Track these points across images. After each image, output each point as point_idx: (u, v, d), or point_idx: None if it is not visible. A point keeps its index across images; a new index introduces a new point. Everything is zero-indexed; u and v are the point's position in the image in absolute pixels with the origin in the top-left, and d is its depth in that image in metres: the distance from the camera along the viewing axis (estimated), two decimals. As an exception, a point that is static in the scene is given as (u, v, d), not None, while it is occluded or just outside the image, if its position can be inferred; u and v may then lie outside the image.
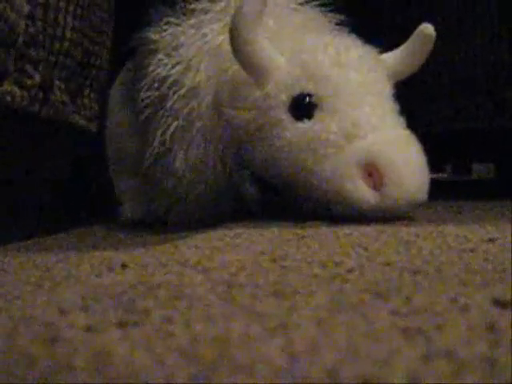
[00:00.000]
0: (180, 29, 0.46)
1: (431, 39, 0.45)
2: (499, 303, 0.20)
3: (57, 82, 0.43)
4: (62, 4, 0.42)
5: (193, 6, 0.47)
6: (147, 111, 0.45)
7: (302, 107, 0.41)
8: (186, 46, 0.45)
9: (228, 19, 0.44)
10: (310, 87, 0.41)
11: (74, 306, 0.22)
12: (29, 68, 0.41)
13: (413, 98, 0.67)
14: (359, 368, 0.15)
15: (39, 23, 0.41)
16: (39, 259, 0.34)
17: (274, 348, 0.16)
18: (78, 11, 0.44)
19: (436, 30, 0.46)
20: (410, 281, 0.24)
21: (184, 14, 0.47)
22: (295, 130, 0.41)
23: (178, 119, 0.44)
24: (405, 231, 0.38)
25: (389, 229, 0.40)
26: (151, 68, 0.45)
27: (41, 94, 0.42)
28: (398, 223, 0.42)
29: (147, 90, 0.45)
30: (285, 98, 0.41)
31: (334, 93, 0.41)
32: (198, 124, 0.43)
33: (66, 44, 0.43)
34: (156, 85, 0.45)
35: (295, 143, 0.41)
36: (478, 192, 0.89)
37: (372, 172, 0.39)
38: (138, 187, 0.52)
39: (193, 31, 0.45)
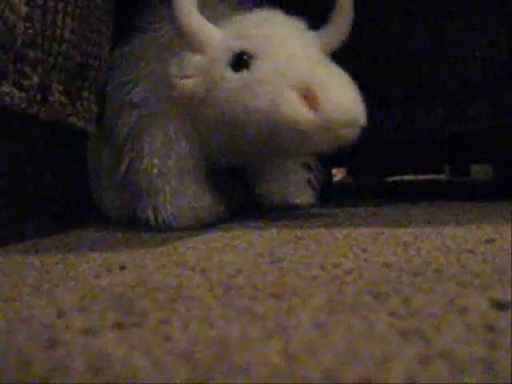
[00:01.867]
0: (138, 40, 0.52)
1: (351, 7, 0.49)
2: (498, 304, 0.20)
3: (55, 84, 0.43)
4: (60, 5, 0.42)
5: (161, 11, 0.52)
6: (115, 115, 0.51)
7: (241, 62, 0.45)
8: (143, 56, 0.50)
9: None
10: (243, 44, 0.45)
11: (73, 307, 0.22)
12: (27, 69, 0.41)
13: (410, 100, 0.67)
14: (358, 369, 0.15)
15: (38, 25, 0.41)
16: (37, 260, 0.34)
17: (272, 350, 0.16)
18: (77, 12, 0.44)
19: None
20: (408, 282, 0.24)
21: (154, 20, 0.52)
22: (236, 80, 0.44)
23: (140, 110, 0.49)
24: (403, 232, 0.38)
25: (387, 230, 0.40)
26: (116, 75, 0.52)
27: (39, 96, 0.42)
28: (396, 224, 0.42)
29: (114, 95, 0.51)
30: (225, 58, 0.45)
31: (264, 43, 0.45)
32: (155, 104, 0.48)
33: (65, 45, 0.43)
34: (121, 89, 0.50)
35: (237, 89, 0.44)
36: (476, 193, 0.89)
37: (308, 95, 0.41)
38: (117, 193, 0.54)
39: (147, 42, 0.51)
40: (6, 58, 0.39)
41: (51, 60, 0.42)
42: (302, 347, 0.16)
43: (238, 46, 0.45)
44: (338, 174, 1.68)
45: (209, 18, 0.46)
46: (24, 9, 0.40)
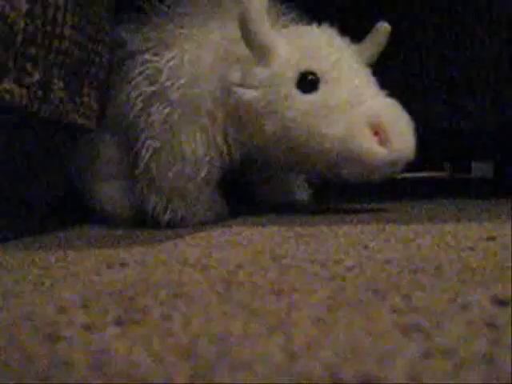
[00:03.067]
0: (165, 29, 0.49)
1: (388, 33, 0.51)
2: (499, 301, 0.20)
3: (56, 81, 0.43)
4: (60, 2, 0.42)
5: (171, 9, 0.51)
6: (137, 109, 0.48)
7: (308, 82, 0.45)
8: (176, 45, 0.48)
9: (217, 21, 0.49)
10: (312, 65, 0.46)
11: (74, 304, 0.22)
12: (28, 66, 0.41)
13: (412, 97, 0.67)
14: (359, 366, 0.15)
15: (38, 21, 0.41)
16: (39, 257, 0.34)
17: (273, 346, 0.16)
18: (77, 9, 0.44)
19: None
20: (409, 279, 0.24)
21: (166, 14, 0.51)
22: (305, 101, 0.45)
23: (179, 107, 0.46)
24: (404, 229, 0.38)
25: (388, 227, 0.40)
26: (138, 67, 0.49)
27: (40, 93, 0.42)
28: (397, 221, 0.42)
29: (136, 89, 0.48)
30: (291, 74, 0.45)
31: (333, 68, 0.46)
32: (203, 107, 0.47)
33: (66, 42, 0.43)
34: (147, 82, 0.48)
35: (306, 112, 0.45)
36: (477, 191, 0.89)
37: (378, 131, 0.43)
38: (123, 190, 0.52)
39: (181, 32, 0.49)
40: (6, 55, 0.39)
41: (52, 57, 0.42)
42: (304, 343, 0.16)
43: (306, 65, 0.46)
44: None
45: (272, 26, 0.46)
46: (24, 5, 0.40)
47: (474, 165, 1.36)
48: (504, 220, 0.41)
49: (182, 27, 0.49)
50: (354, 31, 0.50)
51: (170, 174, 0.47)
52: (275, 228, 0.42)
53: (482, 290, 0.21)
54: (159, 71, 0.47)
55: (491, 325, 0.17)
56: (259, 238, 0.38)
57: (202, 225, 0.48)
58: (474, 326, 0.17)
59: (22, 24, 0.40)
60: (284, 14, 0.52)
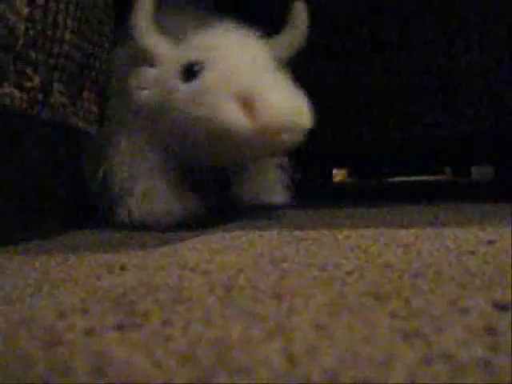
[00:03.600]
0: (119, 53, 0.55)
1: (305, 14, 0.51)
2: (498, 306, 0.20)
3: (56, 85, 0.43)
4: (61, 6, 0.42)
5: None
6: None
7: (192, 73, 0.46)
8: (117, 67, 0.54)
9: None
10: (192, 56, 0.47)
11: (74, 308, 0.22)
12: (28, 70, 0.41)
13: (412, 101, 0.67)
14: (358, 370, 0.15)
15: (39, 25, 0.41)
16: (39, 261, 0.34)
17: (273, 350, 0.16)
18: (78, 13, 0.44)
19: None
20: (409, 283, 0.24)
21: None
22: (185, 90, 0.46)
23: (109, 122, 0.53)
24: (404, 233, 0.38)
25: (388, 231, 0.40)
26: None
27: (40, 97, 0.42)
28: (397, 225, 0.42)
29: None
30: (176, 69, 0.47)
31: (211, 54, 0.46)
32: (120, 115, 0.53)
33: (66, 46, 0.43)
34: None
35: (185, 99, 0.46)
36: (477, 194, 0.89)
37: (246, 104, 0.42)
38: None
39: (121, 54, 0.54)
40: (6, 59, 0.39)
41: (52, 61, 0.42)
42: (303, 348, 0.16)
43: (186, 57, 0.47)
44: (338, 174, 1.68)
45: (178, 27, 0.50)
46: (25, 10, 0.40)
47: (473, 168, 1.36)
48: (504, 224, 0.41)
49: (123, 49, 0.54)
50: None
51: (115, 178, 0.51)
52: (275, 232, 0.42)
53: (482, 294, 0.21)
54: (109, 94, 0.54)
55: (491, 329, 0.17)
56: (259, 242, 0.38)
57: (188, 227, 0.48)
58: (473, 331, 0.17)
59: (22, 28, 0.40)
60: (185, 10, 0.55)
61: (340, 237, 0.38)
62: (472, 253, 0.30)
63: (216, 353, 0.16)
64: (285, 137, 0.43)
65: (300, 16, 0.51)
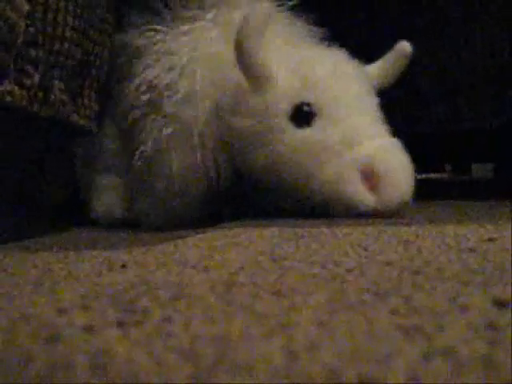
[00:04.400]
0: (168, 36, 0.48)
1: (409, 55, 0.49)
2: (499, 303, 0.20)
3: (56, 82, 0.43)
4: (61, 4, 0.42)
5: (182, 13, 0.48)
6: (135, 113, 0.47)
7: (303, 115, 0.43)
8: (177, 53, 0.46)
9: (221, 28, 0.46)
10: (309, 97, 0.43)
11: (74, 305, 0.22)
12: (28, 68, 0.41)
13: (412, 99, 0.67)
14: (359, 367, 0.15)
15: (39, 23, 0.41)
16: (39, 259, 0.34)
17: (273, 348, 0.16)
18: (78, 11, 0.44)
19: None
20: (409, 280, 0.24)
21: (172, 21, 0.49)
22: (297, 136, 0.43)
23: (174, 123, 0.45)
24: (404, 231, 0.38)
25: (388, 229, 0.40)
26: (138, 72, 0.47)
27: (40, 94, 0.42)
28: (397, 223, 0.42)
29: (135, 93, 0.47)
30: (285, 106, 0.43)
31: (332, 102, 0.43)
32: (196, 130, 0.45)
33: (66, 44, 0.43)
34: (144, 88, 0.47)
35: (297, 148, 0.43)
36: (477, 192, 0.89)
37: (369, 176, 0.42)
38: (118, 184, 0.52)
39: (184, 38, 0.47)
40: (7, 57, 0.39)
41: (52, 58, 0.42)
42: (304, 345, 0.16)
43: (303, 96, 0.44)
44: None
45: (273, 47, 0.44)
46: (25, 7, 0.40)
47: (474, 166, 1.36)
48: (504, 221, 0.41)
49: (184, 33, 0.47)
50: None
51: (158, 187, 0.46)
52: (275, 229, 0.42)
53: (483, 291, 0.21)
54: (159, 80, 0.46)
55: (491, 326, 0.17)
56: (260, 239, 0.38)
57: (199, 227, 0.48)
58: (474, 328, 0.17)
59: (22, 25, 0.40)
60: (295, 24, 0.49)
61: (340, 234, 0.38)
62: (472, 250, 0.30)
63: (216, 350, 0.16)
64: (396, 210, 0.44)
65: (404, 56, 0.49)
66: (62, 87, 0.44)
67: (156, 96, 0.46)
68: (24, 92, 0.40)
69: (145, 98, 0.47)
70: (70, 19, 0.43)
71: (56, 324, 0.19)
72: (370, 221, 0.45)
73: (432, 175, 1.41)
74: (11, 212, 0.45)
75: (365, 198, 0.42)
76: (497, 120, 0.64)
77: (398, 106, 0.67)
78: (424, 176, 1.37)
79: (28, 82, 0.41)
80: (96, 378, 0.15)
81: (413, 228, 0.39)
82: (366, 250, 0.32)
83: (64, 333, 0.18)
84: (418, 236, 0.36)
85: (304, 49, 0.47)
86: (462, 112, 0.65)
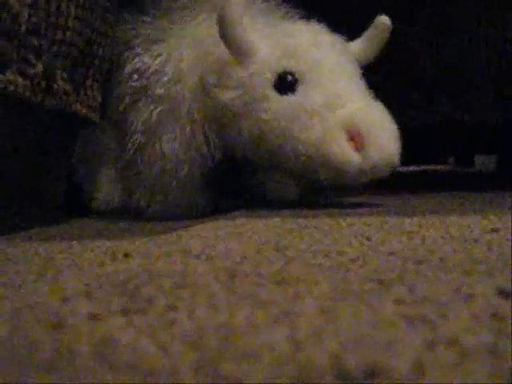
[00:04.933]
0: (156, 25, 0.50)
1: (388, 29, 0.50)
2: (503, 292, 0.20)
3: (59, 72, 0.43)
4: (64, -7, 0.42)
5: (168, 3, 0.51)
6: (126, 102, 0.49)
7: (286, 83, 0.44)
8: (165, 40, 0.48)
9: (206, 13, 0.48)
10: (291, 65, 0.45)
11: (78, 293, 0.22)
12: (31, 57, 0.41)
13: (416, 92, 0.67)
14: (363, 355, 0.15)
15: (42, 12, 0.41)
16: (42, 248, 0.34)
17: (278, 336, 0.16)
18: (81, 0, 0.44)
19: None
20: (413, 270, 0.24)
21: (160, 10, 0.51)
22: (281, 103, 0.44)
23: (162, 104, 0.46)
24: (408, 221, 0.38)
25: (391, 219, 0.40)
26: (128, 61, 0.49)
27: (43, 84, 0.41)
28: (400, 214, 0.42)
29: (126, 82, 0.49)
30: (269, 75, 0.45)
31: (314, 68, 0.44)
32: (184, 107, 0.46)
33: (69, 33, 0.43)
34: (134, 76, 0.48)
35: (282, 115, 0.44)
36: (480, 183, 0.89)
37: (354, 136, 0.42)
38: (115, 178, 0.54)
39: (171, 26, 0.49)
40: (9, 46, 0.39)
41: (55, 48, 0.42)
42: (308, 333, 0.16)
43: (285, 65, 0.45)
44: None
45: (255, 26, 0.45)
46: (28, -4, 0.39)
47: (477, 158, 1.36)
48: (507, 212, 0.41)
49: (172, 22, 0.49)
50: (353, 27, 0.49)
51: (153, 170, 0.47)
52: (279, 220, 0.42)
53: (486, 281, 0.21)
54: (147, 66, 0.47)
55: (495, 315, 0.17)
56: (263, 229, 0.38)
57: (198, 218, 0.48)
58: (477, 317, 0.17)
59: (25, 15, 0.40)
60: (275, 10, 0.50)
61: (344, 224, 0.38)
62: (476, 240, 0.30)
63: (221, 338, 0.16)
64: (382, 172, 0.44)
65: (384, 30, 0.49)
66: (65, 77, 0.44)
67: (145, 82, 0.48)
68: (27, 82, 0.40)
69: (134, 85, 0.48)
70: (73, 8, 0.43)
71: (60, 312, 0.19)
72: (374, 211, 0.45)
73: (435, 167, 1.41)
74: (12, 204, 0.45)
75: (350, 157, 0.42)
76: (502, 115, 0.63)
77: (399, 98, 0.67)
78: (427, 168, 1.37)
79: (31, 71, 0.40)
80: (100, 365, 0.15)
81: (416, 218, 0.39)
82: (369, 239, 0.32)
83: (68, 321, 0.18)
84: (421, 226, 0.36)
85: (284, 23, 0.49)
86: (466, 106, 0.65)
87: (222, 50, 0.45)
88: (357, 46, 0.50)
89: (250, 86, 0.45)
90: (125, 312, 0.19)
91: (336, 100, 0.43)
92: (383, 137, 0.43)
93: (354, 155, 0.42)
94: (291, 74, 0.44)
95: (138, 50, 0.49)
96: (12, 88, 0.39)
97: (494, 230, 0.33)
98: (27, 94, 0.40)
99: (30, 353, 0.16)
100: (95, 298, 0.21)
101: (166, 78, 0.46)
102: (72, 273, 0.27)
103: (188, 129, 0.46)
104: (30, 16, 0.40)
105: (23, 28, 0.40)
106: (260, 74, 0.45)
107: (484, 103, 0.64)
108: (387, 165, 0.43)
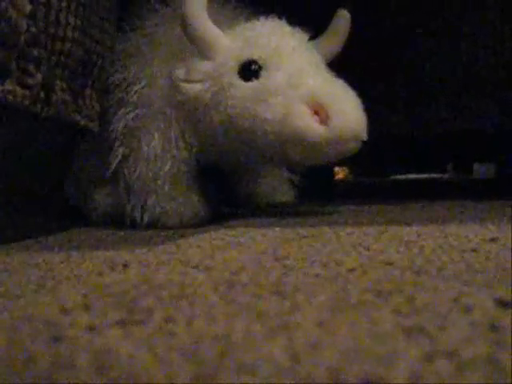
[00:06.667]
0: (133, 38, 0.53)
1: (348, 21, 0.51)
2: (501, 303, 0.19)
3: (58, 82, 0.43)
4: (63, 3, 0.42)
5: (141, 22, 0.53)
6: (109, 114, 0.51)
7: (250, 71, 0.46)
8: (138, 54, 0.51)
9: (173, 21, 0.50)
10: (253, 54, 0.46)
11: (76, 305, 0.22)
12: (30, 67, 0.41)
13: (415, 98, 0.67)
14: (361, 367, 0.15)
15: (41, 23, 0.41)
16: (41, 258, 0.34)
17: (276, 347, 0.16)
18: (80, 10, 0.44)
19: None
20: (412, 280, 0.24)
21: (137, 24, 0.54)
22: (246, 89, 0.45)
23: (137, 109, 0.49)
24: (406, 231, 0.38)
25: (390, 228, 0.40)
26: (110, 75, 0.52)
27: (42, 94, 0.42)
28: (399, 223, 0.42)
29: (108, 95, 0.51)
30: (233, 65, 0.46)
31: (275, 54, 0.46)
32: (156, 107, 0.49)
33: (68, 44, 0.43)
34: (115, 89, 0.51)
35: (247, 98, 0.45)
36: (479, 192, 0.89)
37: (318, 110, 0.43)
38: (109, 191, 0.55)
39: (144, 41, 0.52)
40: (8, 56, 0.39)
41: (54, 58, 0.42)
42: (306, 345, 0.16)
43: (247, 54, 0.46)
44: (339, 172, 1.68)
45: (214, 23, 0.47)
46: (27, 7, 0.40)
47: (475, 166, 1.36)
48: (506, 221, 0.41)
49: (145, 36, 0.52)
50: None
51: (138, 174, 0.49)
52: (277, 229, 0.42)
53: (485, 291, 0.21)
54: (124, 78, 0.51)
55: (494, 326, 0.17)
56: (261, 239, 0.38)
57: (191, 227, 0.48)
58: (476, 328, 0.17)
59: (24, 25, 0.40)
60: (239, 12, 0.52)
61: (342, 234, 0.38)
62: (474, 250, 0.30)
63: (219, 349, 0.16)
64: (351, 145, 0.44)
65: (344, 22, 0.51)
66: (65, 87, 0.44)
67: (123, 93, 0.50)
68: (26, 92, 0.40)
69: (114, 97, 0.51)
70: (72, 19, 0.43)
71: (59, 324, 0.19)
72: (372, 220, 0.45)
73: (434, 175, 1.41)
74: (14, 211, 0.45)
75: (315, 129, 0.42)
76: (498, 121, 0.63)
77: (398, 105, 0.67)
78: (426, 176, 1.37)
79: (30, 81, 0.41)
80: (99, 377, 0.15)
81: (414, 228, 0.39)
82: (367, 249, 0.32)
83: (67, 332, 0.18)
84: (419, 236, 0.36)
85: (245, 20, 0.50)
86: (465, 112, 0.65)
87: (187, 47, 0.48)
88: (320, 42, 0.51)
89: (216, 76, 0.46)
90: (123, 323, 0.19)
91: (297, 78, 0.44)
92: (346, 108, 0.43)
93: (318, 128, 0.42)
94: (254, 62, 0.46)
95: (117, 65, 0.52)
96: (11, 98, 0.39)
97: (493, 240, 0.33)
98: (26, 103, 0.40)
99: (29, 364, 0.16)
100: (94, 310, 0.21)
101: (139, 86, 0.49)
102: (71, 283, 0.27)
103: (163, 126, 0.48)
104: (29, 27, 0.40)
105: (22, 39, 0.40)
106: (225, 65, 0.46)
107: (482, 110, 0.64)
108: (353, 135, 0.43)
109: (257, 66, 0.46)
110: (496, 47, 0.63)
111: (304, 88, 0.44)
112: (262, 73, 0.45)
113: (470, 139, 0.80)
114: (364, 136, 0.44)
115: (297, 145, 0.44)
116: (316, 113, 0.43)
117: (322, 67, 0.48)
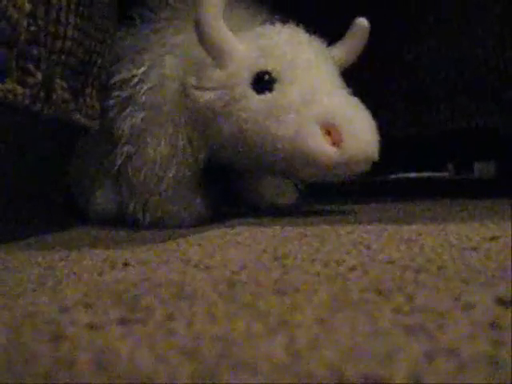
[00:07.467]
0: (140, 36, 0.51)
1: (366, 31, 0.50)
2: (502, 301, 0.19)
3: (59, 81, 0.43)
4: (63, 2, 0.42)
5: (153, 16, 0.52)
6: (114, 112, 0.50)
7: (263, 82, 0.45)
8: (148, 50, 0.50)
9: (184, 20, 0.50)
10: (267, 64, 0.45)
11: (77, 303, 0.22)
12: (30, 66, 0.41)
13: (414, 99, 0.67)
14: (362, 366, 0.15)
15: (41, 22, 0.41)
16: (41, 257, 0.34)
17: (276, 346, 0.16)
18: (80, 9, 0.44)
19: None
20: (412, 279, 0.24)
21: (144, 21, 0.53)
22: (258, 102, 0.44)
23: (145, 111, 0.48)
24: (407, 229, 0.38)
25: (390, 227, 0.40)
26: (116, 72, 0.51)
27: (43, 93, 0.42)
28: (399, 222, 0.42)
29: (111, 93, 0.50)
30: (246, 75, 0.45)
31: (290, 67, 0.45)
32: (166, 111, 0.48)
33: (68, 42, 0.43)
34: (122, 86, 0.50)
35: (259, 112, 0.44)
36: (479, 191, 0.89)
37: (331, 130, 0.42)
38: (110, 188, 0.54)
39: (154, 37, 0.50)
40: (8, 55, 0.39)
41: (54, 57, 0.42)
42: (306, 343, 0.16)
43: (261, 65, 0.45)
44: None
45: (231, 28, 0.46)
46: (27, 6, 0.40)
47: (476, 165, 1.36)
48: (507, 220, 0.41)
49: (155, 32, 0.51)
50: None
51: (142, 176, 0.48)
52: (278, 228, 0.42)
53: (486, 290, 0.21)
54: (132, 76, 0.49)
55: (495, 325, 0.17)
56: (262, 238, 0.38)
57: (194, 226, 0.48)
58: (477, 326, 0.17)
59: (24, 24, 0.40)
60: (255, 15, 0.51)
61: (342, 233, 0.38)
62: (475, 249, 0.30)
63: (219, 348, 0.16)
64: (361, 166, 0.44)
65: (363, 31, 0.50)
66: (65, 86, 0.44)
67: (130, 91, 0.49)
68: (26, 90, 0.40)
69: (121, 95, 0.50)
70: (72, 18, 0.43)
71: (59, 322, 0.19)
72: (373, 218, 0.45)
73: (434, 174, 1.41)
74: (14, 210, 0.45)
75: (326, 150, 0.42)
76: (498, 119, 0.63)
77: (400, 105, 0.67)
78: (426, 175, 1.37)
79: (30, 80, 0.40)
80: (99, 376, 0.15)
81: (415, 226, 0.39)
82: (368, 248, 0.32)
83: (67, 331, 0.18)
84: (420, 234, 0.36)
85: (261, 27, 0.49)
86: (465, 111, 0.65)
87: (200, 53, 0.47)
88: (336, 49, 0.50)
89: (229, 86, 0.45)
90: (123, 322, 0.19)
91: (312, 96, 0.44)
92: (360, 130, 0.43)
93: (329, 149, 0.42)
94: (268, 73, 0.45)
95: (125, 60, 0.51)
96: (11, 97, 0.39)
97: (494, 238, 0.33)
98: (26, 103, 0.40)
99: (29, 363, 0.16)
100: (94, 308, 0.21)
101: (149, 86, 0.48)
102: (71, 282, 0.27)
103: (171, 131, 0.48)
104: (29, 25, 0.40)
105: (22, 37, 0.40)
106: (238, 74, 0.45)
107: (483, 109, 0.64)
108: (365, 157, 0.43)
109: (270, 78, 0.44)
110: (496, 47, 0.63)
111: (318, 107, 0.43)
112: (276, 86, 0.44)
113: (470, 138, 0.80)
114: (376, 158, 0.44)
115: (306, 164, 0.43)
116: (328, 133, 0.42)
117: (338, 83, 0.47)
